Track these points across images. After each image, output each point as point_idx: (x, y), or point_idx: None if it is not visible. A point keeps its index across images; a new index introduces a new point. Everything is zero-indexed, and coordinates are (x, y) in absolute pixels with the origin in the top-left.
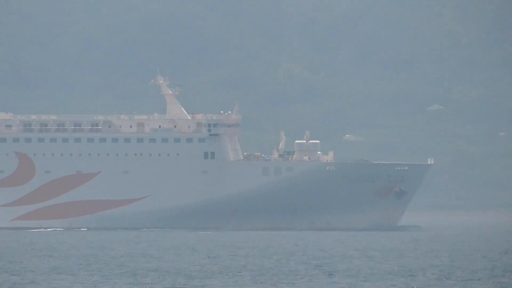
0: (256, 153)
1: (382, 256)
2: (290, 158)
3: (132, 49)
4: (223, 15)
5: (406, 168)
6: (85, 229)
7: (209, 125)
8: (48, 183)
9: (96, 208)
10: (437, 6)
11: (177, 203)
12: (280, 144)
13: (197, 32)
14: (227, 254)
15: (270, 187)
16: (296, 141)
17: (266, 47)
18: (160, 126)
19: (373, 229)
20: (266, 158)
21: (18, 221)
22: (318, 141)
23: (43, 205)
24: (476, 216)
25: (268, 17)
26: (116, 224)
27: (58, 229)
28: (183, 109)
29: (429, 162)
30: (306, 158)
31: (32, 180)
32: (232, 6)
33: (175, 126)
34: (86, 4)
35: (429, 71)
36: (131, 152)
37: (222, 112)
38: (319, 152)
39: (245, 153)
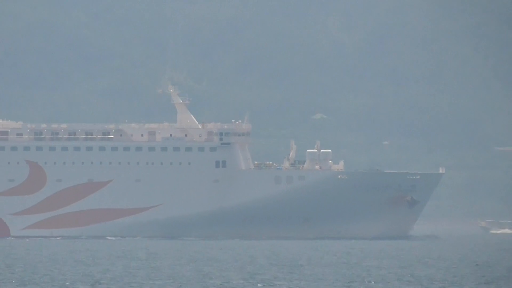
0: (267, 162)
1: None
2: (301, 167)
3: (16, 56)
4: (106, 23)
5: (418, 177)
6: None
7: (221, 134)
8: (60, 191)
9: (108, 216)
10: (321, 15)
11: (188, 212)
12: (291, 153)
13: (80, 40)
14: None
15: (282, 196)
16: (308, 150)
17: (150, 55)
18: (171, 135)
19: (384, 238)
20: (278, 167)
21: (30, 230)
22: (330, 150)
23: (55, 214)
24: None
25: (152, 25)
26: (127, 233)
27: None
28: (193, 118)
29: (440, 171)
30: (317, 167)
31: (43, 188)
32: (115, 13)
33: (186, 135)
34: None
35: (312, 79)
36: (143, 161)
37: (233, 121)
38: (330, 161)
39: (256, 162)
